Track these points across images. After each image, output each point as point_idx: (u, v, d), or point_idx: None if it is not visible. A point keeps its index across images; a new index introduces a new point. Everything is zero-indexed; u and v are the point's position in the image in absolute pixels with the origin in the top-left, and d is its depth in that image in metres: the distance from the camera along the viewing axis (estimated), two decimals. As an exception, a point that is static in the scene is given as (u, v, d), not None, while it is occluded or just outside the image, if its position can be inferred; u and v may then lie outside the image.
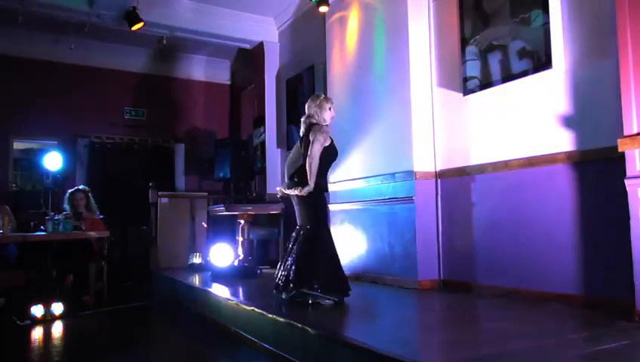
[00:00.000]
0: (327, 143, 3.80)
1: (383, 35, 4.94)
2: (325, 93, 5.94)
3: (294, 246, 3.78)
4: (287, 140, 6.81)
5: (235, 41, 7.35)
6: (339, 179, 5.43)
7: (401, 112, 4.61)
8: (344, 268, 5.19)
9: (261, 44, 7.31)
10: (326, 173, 3.91)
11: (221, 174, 6.66)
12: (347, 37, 5.42)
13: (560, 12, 3.57)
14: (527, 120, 3.81)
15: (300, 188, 3.71)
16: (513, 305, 3.57)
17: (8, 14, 6.30)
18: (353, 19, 5.34)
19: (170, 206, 6.64)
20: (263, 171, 7.15)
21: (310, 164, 3.69)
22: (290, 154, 4.14)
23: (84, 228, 5.52)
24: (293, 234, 3.88)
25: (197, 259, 6.19)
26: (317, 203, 3.81)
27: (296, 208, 3.89)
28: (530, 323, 3.05)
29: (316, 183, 3.70)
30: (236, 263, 5.48)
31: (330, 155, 3.85)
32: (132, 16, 6.09)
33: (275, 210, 6.27)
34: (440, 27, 4.60)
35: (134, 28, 6.15)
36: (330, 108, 3.92)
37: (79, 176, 7.61)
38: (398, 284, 4.49)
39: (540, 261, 3.66)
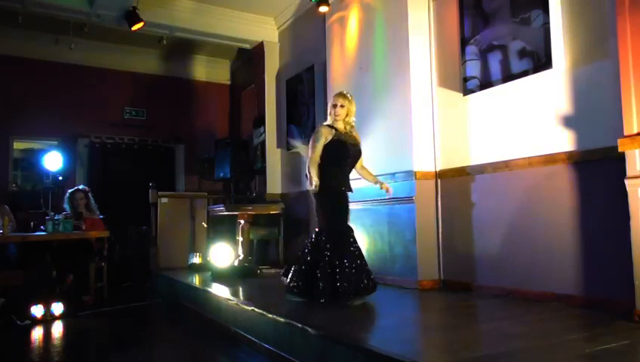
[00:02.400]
0: (328, 139, 3.79)
1: (383, 35, 4.94)
2: (325, 93, 5.95)
3: (326, 253, 3.68)
4: (287, 140, 6.81)
5: (235, 41, 7.35)
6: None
7: (401, 112, 4.61)
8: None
9: (261, 44, 7.31)
10: (337, 173, 3.83)
11: (221, 174, 6.67)
12: (347, 37, 5.42)
13: (560, 12, 3.57)
14: (527, 120, 3.81)
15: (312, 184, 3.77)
16: (513, 305, 3.57)
17: (8, 14, 6.30)
18: (353, 19, 5.34)
19: (170, 206, 6.64)
20: (263, 171, 7.15)
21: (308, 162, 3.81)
22: None
23: (84, 228, 5.53)
24: (312, 237, 3.83)
25: (197, 259, 6.19)
26: (329, 203, 3.78)
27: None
28: (530, 323, 3.05)
29: (326, 183, 3.74)
30: (236, 263, 5.48)
31: (334, 151, 3.80)
32: (132, 16, 6.09)
33: (275, 210, 6.28)
34: (440, 27, 4.60)
35: (134, 28, 6.15)
36: (334, 105, 3.88)
37: (79, 176, 7.63)
38: (398, 284, 4.49)
39: (540, 261, 3.66)
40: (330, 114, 3.92)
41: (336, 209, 3.82)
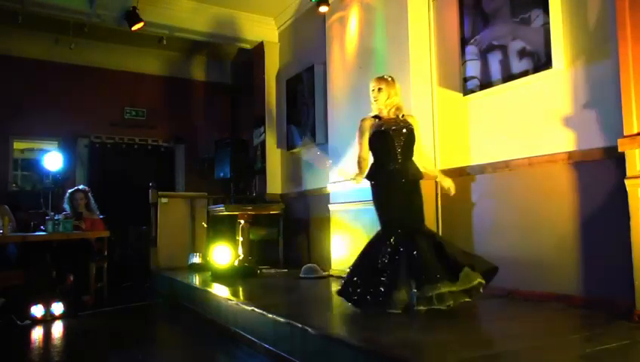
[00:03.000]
0: (371, 132, 3.53)
1: (383, 35, 4.94)
2: (325, 93, 5.94)
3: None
4: (287, 140, 6.81)
5: (235, 41, 7.35)
6: (339, 179, 5.43)
7: (401, 112, 4.60)
8: (345, 267, 5.22)
9: (261, 44, 7.31)
10: (383, 165, 3.52)
11: (221, 174, 6.67)
12: (347, 37, 5.42)
13: (560, 12, 3.57)
14: (527, 120, 3.81)
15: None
16: (513, 305, 3.57)
17: (8, 14, 6.30)
18: (353, 19, 5.34)
19: (170, 206, 6.64)
20: (263, 171, 7.16)
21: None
22: None
23: (84, 228, 5.53)
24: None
25: (197, 259, 6.20)
26: (373, 199, 3.61)
27: None
28: (530, 323, 3.05)
29: (370, 177, 3.56)
30: (236, 263, 5.48)
31: (376, 143, 3.53)
32: (132, 16, 6.09)
33: (275, 210, 6.28)
34: (440, 27, 4.60)
35: (134, 28, 6.15)
36: (372, 90, 3.61)
37: (79, 176, 7.63)
38: (398, 284, 4.48)
39: (540, 261, 3.66)
40: (372, 103, 3.63)
41: (379, 205, 3.58)
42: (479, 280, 3.19)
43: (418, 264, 3.25)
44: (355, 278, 3.41)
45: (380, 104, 3.58)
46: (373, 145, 3.55)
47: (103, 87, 7.92)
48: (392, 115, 3.57)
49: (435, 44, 4.63)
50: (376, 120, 3.58)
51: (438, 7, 4.62)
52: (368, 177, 3.58)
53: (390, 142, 3.48)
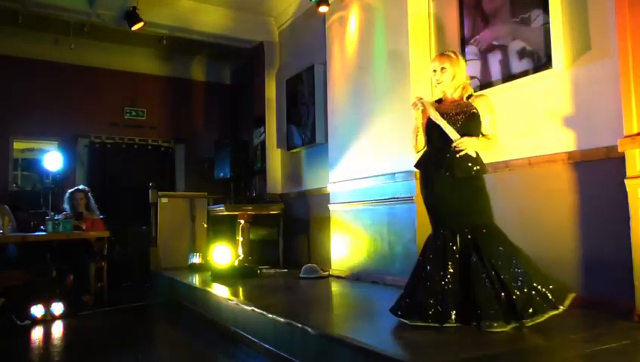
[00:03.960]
0: (425, 120, 3.09)
1: (383, 35, 4.94)
2: (325, 93, 5.94)
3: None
4: (287, 140, 6.81)
5: (235, 41, 7.35)
6: (339, 179, 5.43)
7: (401, 112, 4.60)
8: (345, 267, 5.23)
9: (261, 44, 7.31)
10: (433, 152, 3.09)
11: (221, 174, 6.68)
12: (347, 37, 5.42)
13: (560, 12, 3.56)
14: (527, 120, 3.81)
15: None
16: (513, 305, 3.56)
17: (8, 14, 6.31)
18: (353, 19, 5.34)
19: (170, 206, 6.64)
20: (262, 171, 7.16)
21: None
22: None
23: (84, 228, 5.53)
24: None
25: (197, 259, 6.20)
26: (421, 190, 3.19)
27: None
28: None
29: (418, 163, 3.18)
30: (236, 263, 5.48)
31: (429, 130, 3.09)
32: (132, 16, 6.09)
33: (275, 210, 6.28)
34: (440, 27, 4.60)
35: (134, 28, 6.16)
36: (434, 71, 3.12)
37: (79, 176, 7.63)
38: (398, 284, 4.48)
39: (540, 261, 3.64)
40: (434, 86, 3.18)
41: (423, 199, 3.16)
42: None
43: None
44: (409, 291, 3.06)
45: (445, 86, 3.10)
46: (427, 132, 3.09)
47: (103, 87, 7.92)
48: (456, 97, 3.11)
49: (435, 44, 4.63)
50: (437, 104, 3.14)
51: (438, 7, 4.62)
52: (417, 164, 3.21)
53: (434, 132, 3.05)
